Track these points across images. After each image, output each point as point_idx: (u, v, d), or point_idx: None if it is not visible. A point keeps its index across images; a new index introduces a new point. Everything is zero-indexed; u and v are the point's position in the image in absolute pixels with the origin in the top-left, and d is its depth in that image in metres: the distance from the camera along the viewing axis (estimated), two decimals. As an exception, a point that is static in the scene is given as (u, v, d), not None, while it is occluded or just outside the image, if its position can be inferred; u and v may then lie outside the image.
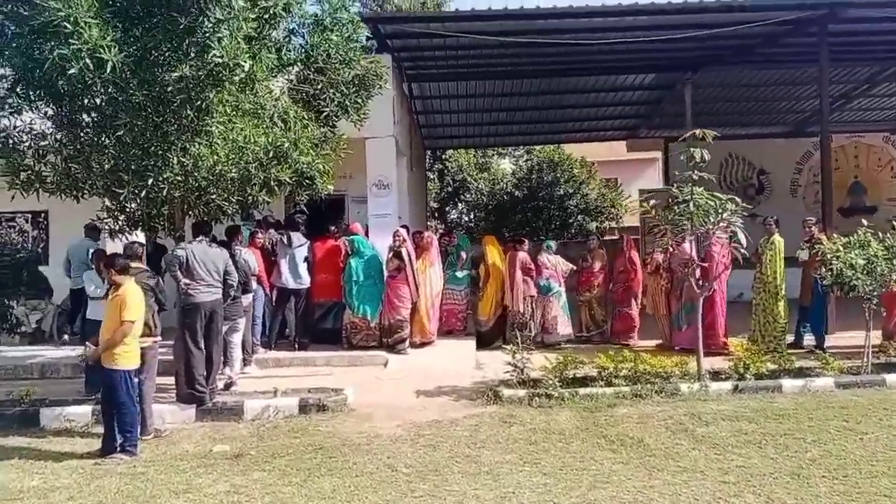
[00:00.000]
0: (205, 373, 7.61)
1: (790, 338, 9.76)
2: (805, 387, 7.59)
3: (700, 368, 7.74)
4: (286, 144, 7.39)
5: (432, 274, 10.42)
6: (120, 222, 8.11)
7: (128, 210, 7.98)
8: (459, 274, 11.05)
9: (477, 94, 16.75)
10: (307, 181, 8.06)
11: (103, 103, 6.74)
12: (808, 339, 9.82)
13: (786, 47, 13.33)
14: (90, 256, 8.90)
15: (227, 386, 8.32)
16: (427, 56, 12.70)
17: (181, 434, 6.99)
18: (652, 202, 8.39)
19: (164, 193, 7.05)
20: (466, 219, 24.31)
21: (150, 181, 6.93)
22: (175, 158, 6.98)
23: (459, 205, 26.09)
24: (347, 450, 6.26)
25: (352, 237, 10.31)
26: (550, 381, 7.53)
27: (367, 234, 10.82)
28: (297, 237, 10.30)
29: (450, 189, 24.62)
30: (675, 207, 8.05)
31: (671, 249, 10.17)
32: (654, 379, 7.59)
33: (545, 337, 10.63)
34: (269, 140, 7.32)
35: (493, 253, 10.84)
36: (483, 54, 13.10)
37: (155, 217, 8.00)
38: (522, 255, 10.66)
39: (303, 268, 10.27)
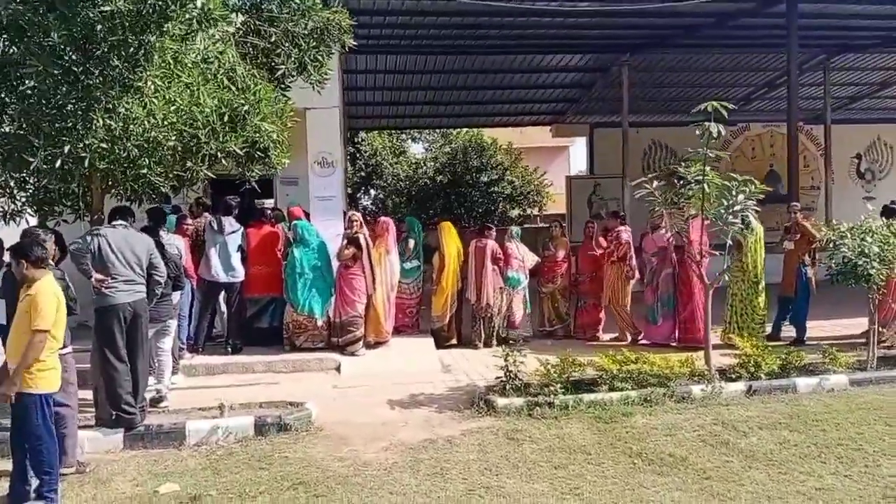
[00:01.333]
0: (131, 389, 6.16)
1: (767, 328, 9.25)
2: (819, 385, 6.98)
3: (710, 368, 6.98)
4: (245, 107, 6.02)
5: (389, 264, 9.23)
6: (18, 202, 6.48)
7: (29, 186, 6.36)
8: (408, 265, 9.89)
9: (398, 70, 15.59)
10: (259, 153, 6.70)
11: (6, 43, 5.17)
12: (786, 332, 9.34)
13: (733, 29, 13.00)
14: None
15: (156, 401, 6.87)
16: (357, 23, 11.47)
17: (111, 468, 5.54)
18: (655, 183, 7.53)
19: (86, 164, 5.54)
20: (379, 205, 23.03)
21: (66, 148, 5.42)
22: (100, 120, 5.50)
23: (372, 190, 24.80)
24: (335, 484, 5.05)
25: (295, 222, 8.96)
26: (552, 388, 6.56)
27: (307, 219, 9.47)
28: (230, 222, 8.84)
29: (363, 174, 23.29)
30: (684, 188, 7.24)
31: (650, 234, 9.47)
32: (662, 381, 6.75)
33: (510, 332, 9.67)
34: (223, 101, 5.93)
35: (450, 242, 9.75)
36: (412, 23, 12.01)
37: (64, 195, 6.42)
38: (492, 244, 9.65)
39: (236, 258, 8.82)
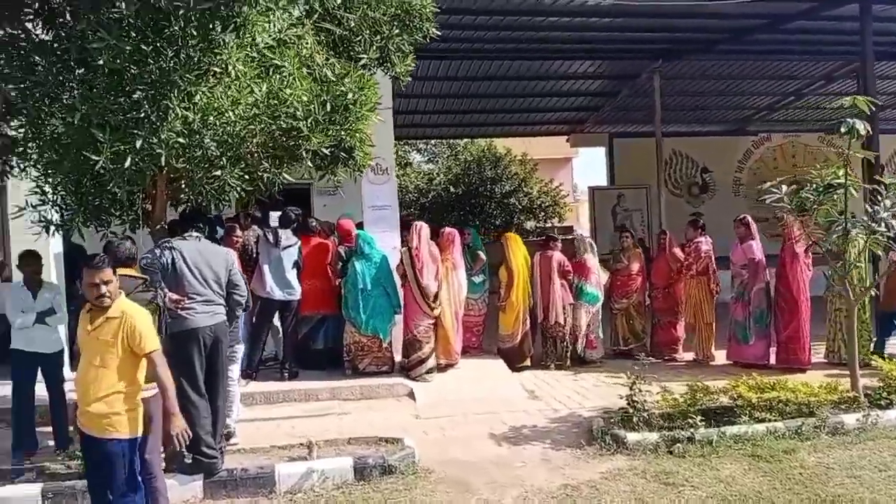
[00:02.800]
0: (211, 428, 5.21)
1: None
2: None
3: (859, 394, 6.19)
4: (349, 96, 5.13)
5: (456, 279, 8.33)
6: (65, 211, 5.50)
7: (82, 191, 5.38)
8: (476, 280, 9.03)
9: (419, 77, 14.70)
10: (344, 153, 5.80)
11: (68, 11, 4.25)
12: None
13: (783, 33, 12.36)
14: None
15: (225, 437, 5.91)
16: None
17: (196, 526, 4.60)
18: (785, 188, 6.76)
19: (161, 163, 4.60)
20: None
21: (138, 143, 4.48)
22: (177, 110, 4.57)
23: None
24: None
25: (357, 232, 8.06)
26: (690, 420, 5.71)
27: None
28: (287, 235, 7.90)
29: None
30: (820, 194, 6.49)
31: (738, 245, 8.68)
32: (806, 410, 5.95)
33: (587, 353, 8.83)
34: (325, 88, 5.04)
35: (517, 253, 8.89)
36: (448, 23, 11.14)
37: (114, 202, 5.45)
38: (559, 257, 8.81)
39: (292, 274, 7.87)
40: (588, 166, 36.02)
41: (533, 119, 19.09)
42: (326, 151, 5.46)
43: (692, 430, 5.64)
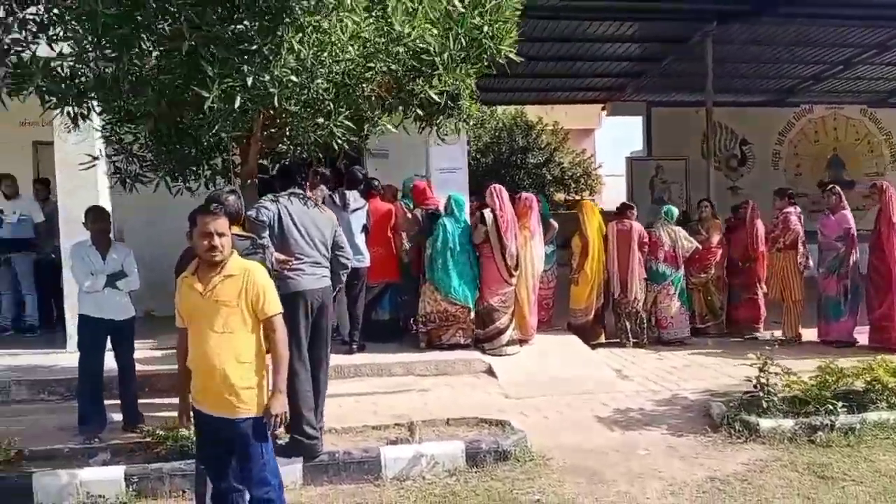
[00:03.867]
0: (314, 405, 4.68)
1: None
2: None
3: None
4: (485, 29, 4.51)
5: (534, 248, 7.78)
6: (144, 162, 4.91)
7: (167, 139, 4.77)
8: (548, 250, 8.45)
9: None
10: (451, 100, 5.18)
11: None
12: None
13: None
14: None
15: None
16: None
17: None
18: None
19: (275, 103, 4.00)
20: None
21: (249, 80, 3.87)
22: (291, 43, 3.96)
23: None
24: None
25: (452, 194, 7.52)
26: (829, 406, 5.18)
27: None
28: (355, 197, 7.33)
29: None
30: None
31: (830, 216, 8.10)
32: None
33: (662, 333, 8.31)
34: (461, 23, 4.42)
35: (593, 222, 8.32)
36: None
37: (207, 153, 4.85)
38: (638, 227, 8.25)
39: (360, 239, 7.30)
40: (609, 138, 35.04)
41: (569, 85, 18.35)
42: (437, 98, 4.85)
43: (832, 417, 5.12)
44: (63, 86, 3.79)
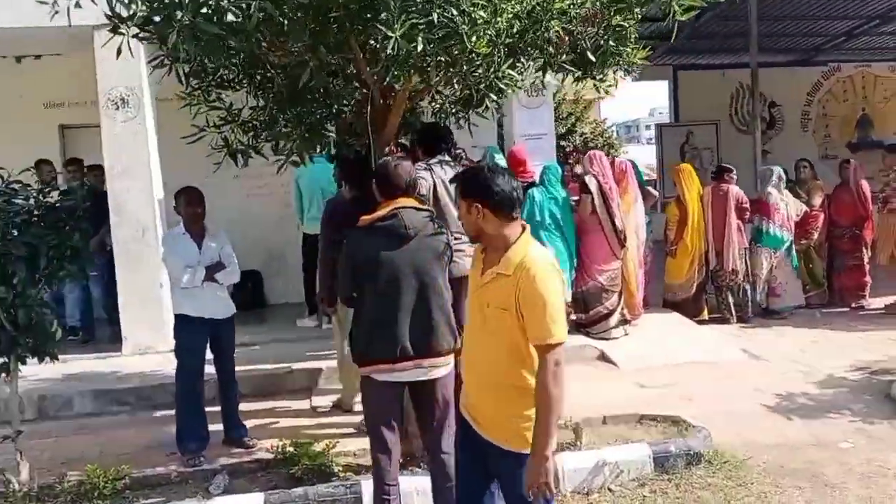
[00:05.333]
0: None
1: None
2: None
3: None
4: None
5: (637, 217, 7.06)
6: (262, 129, 4.10)
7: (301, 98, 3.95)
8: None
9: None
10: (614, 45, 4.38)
11: None
12: None
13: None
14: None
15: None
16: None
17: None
18: None
19: (468, 45, 3.18)
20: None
21: (435, 15, 3.06)
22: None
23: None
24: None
25: (547, 164, 6.78)
26: None
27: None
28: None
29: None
30: None
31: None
32: None
33: (771, 302, 7.65)
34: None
35: (693, 188, 7.62)
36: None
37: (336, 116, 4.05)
38: (736, 192, 7.56)
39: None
40: (615, 107, 34.37)
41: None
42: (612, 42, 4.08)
43: None
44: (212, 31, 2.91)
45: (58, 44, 7.29)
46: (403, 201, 3.23)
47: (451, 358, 3.25)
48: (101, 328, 7.42)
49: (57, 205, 3.80)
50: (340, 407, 5.34)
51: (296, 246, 7.61)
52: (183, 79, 3.78)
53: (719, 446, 4.31)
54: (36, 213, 3.74)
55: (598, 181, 6.72)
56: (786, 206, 7.60)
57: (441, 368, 3.21)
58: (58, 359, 4.03)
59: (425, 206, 3.44)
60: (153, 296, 6.57)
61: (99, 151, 7.03)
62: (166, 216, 6.70)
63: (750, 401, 5.15)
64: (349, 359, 5.17)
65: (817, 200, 8.01)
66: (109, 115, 6.50)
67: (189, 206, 4.50)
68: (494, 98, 4.03)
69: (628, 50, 4.36)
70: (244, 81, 4.04)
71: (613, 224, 6.59)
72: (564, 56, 3.87)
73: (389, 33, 2.90)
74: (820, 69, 18.86)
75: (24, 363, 3.90)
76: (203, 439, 4.56)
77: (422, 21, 3.01)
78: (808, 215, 7.93)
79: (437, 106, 4.49)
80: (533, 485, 2.41)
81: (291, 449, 4.15)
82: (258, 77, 3.80)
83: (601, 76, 4.33)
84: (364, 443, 4.44)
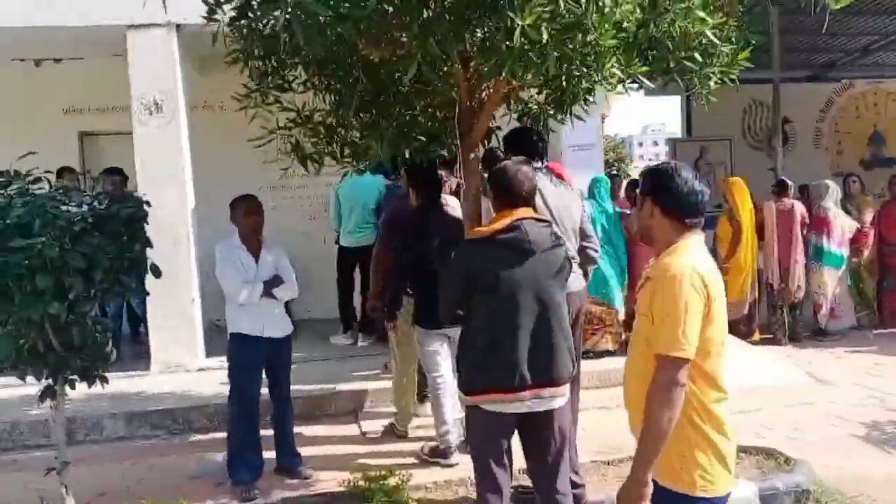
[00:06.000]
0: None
1: None
2: None
3: None
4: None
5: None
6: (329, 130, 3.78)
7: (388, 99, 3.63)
8: (689, 236, 7.44)
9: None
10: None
11: None
12: None
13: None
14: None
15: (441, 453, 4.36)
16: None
17: None
18: None
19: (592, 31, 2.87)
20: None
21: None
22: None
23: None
24: None
25: (597, 176, 6.47)
26: None
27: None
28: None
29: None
30: None
31: None
32: None
33: (830, 323, 7.36)
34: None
35: (746, 204, 7.34)
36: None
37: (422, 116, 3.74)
38: (801, 208, 7.31)
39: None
40: (618, 122, 34.38)
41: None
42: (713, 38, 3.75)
43: None
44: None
45: (84, 46, 6.95)
46: (524, 212, 2.91)
47: (568, 387, 2.92)
48: (124, 344, 7.04)
49: (114, 212, 3.44)
50: (393, 432, 4.98)
51: (322, 260, 7.29)
52: (255, 77, 3.46)
53: (824, 481, 3.98)
54: (90, 220, 3.39)
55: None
56: (842, 224, 7.34)
57: (561, 398, 2.88)
58: (108, 382, 3.66)
59: (545, 217, 3.12)
60: (185, 312, 6.20)
61: (120, 159, 6.68)
62: (198, 226, 6.36)
63: (835, 430, 4.84)
64: (407, 381, 4.89)
65: (868, 216, 7.76)
66: (142, 121, 6.16)
67: (248, 215, 4.16)
68: (592, 99, 3.73)
69: (725, 51, 4.04)
70: (314, 80, 3.72)
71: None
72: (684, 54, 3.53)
73: (518, 21, 2.58)
74: (832, 85, 18.74)
75: (73, 388, 3.53)
76: (257, 469, 4.20)
77: (547, 9, 2.70)
78: (859, 232, 7.67)
79: (520, 108, 4.16)
80: None
81: (363, 483, 3.78)
82: (340, 74, 3.46)
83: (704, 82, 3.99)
84: (436, 474, 4.15)
